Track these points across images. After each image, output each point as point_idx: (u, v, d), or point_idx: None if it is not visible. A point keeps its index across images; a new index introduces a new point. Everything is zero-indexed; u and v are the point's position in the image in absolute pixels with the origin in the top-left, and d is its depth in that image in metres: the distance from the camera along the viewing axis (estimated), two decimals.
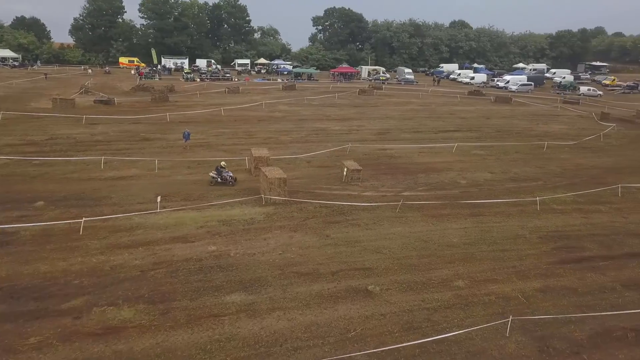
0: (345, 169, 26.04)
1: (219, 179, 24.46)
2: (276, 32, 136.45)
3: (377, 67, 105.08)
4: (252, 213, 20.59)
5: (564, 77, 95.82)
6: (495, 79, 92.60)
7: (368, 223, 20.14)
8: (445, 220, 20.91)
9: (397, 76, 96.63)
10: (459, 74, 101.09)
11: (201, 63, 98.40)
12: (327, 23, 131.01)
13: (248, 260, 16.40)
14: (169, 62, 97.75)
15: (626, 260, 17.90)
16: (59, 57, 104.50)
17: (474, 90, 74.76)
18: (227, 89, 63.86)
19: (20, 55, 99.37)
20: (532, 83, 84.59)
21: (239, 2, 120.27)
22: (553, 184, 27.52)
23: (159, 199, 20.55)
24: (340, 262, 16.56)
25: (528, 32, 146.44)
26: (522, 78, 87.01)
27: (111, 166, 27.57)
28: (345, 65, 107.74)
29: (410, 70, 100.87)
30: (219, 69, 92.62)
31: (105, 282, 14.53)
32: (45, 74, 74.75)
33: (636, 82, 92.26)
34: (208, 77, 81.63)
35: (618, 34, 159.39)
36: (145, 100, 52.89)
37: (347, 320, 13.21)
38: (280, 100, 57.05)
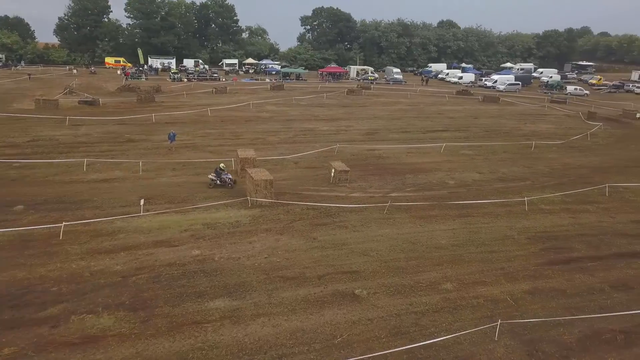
0: (333, 170, 25.79)
1: (218, 182, 24.00)
2: (264, 31, 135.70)
3: (365, 67, 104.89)
4: (238, 216, 20.23)
5: (551, 77, 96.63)
6: (483, 78, 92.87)
7: (355, 225, 19.88)
8: (434, 222, 20.73)
9: (385, 76, 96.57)
10: (447, 74, 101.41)
11: (188, 63, 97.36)
12: (315, 23, 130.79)
13: (233, 264, 16.05)
14: (155, 62, 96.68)
15: (614, 261, 17.84)
16: (43, 57, 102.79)
17: (462, 90, 74.87)
18: (214, 89, 63.21)
19: (3, 56, 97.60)
20: (520, 82, 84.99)
21: (226, 2, 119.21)
22: (541, 184, 27.51)
23: (142, 202, 20.11)
24: (327, 265, 16.27)
25: (515, 31, 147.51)
26: (510, 77, 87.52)
27: (94, 168, 27.06)
28: (333, 65, 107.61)
29: (398, 70, 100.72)
30: (206, 69, 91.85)
31: (84, 289, 14.10)
32: (29, 74, 73.35)
33: (622, 82, 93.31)
34: (195, 77, 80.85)
35: (604, 34, 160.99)
36: (130, 100, 52.12)
37: (334, 325, 12.93)
38: (268, 101, 56.61)
